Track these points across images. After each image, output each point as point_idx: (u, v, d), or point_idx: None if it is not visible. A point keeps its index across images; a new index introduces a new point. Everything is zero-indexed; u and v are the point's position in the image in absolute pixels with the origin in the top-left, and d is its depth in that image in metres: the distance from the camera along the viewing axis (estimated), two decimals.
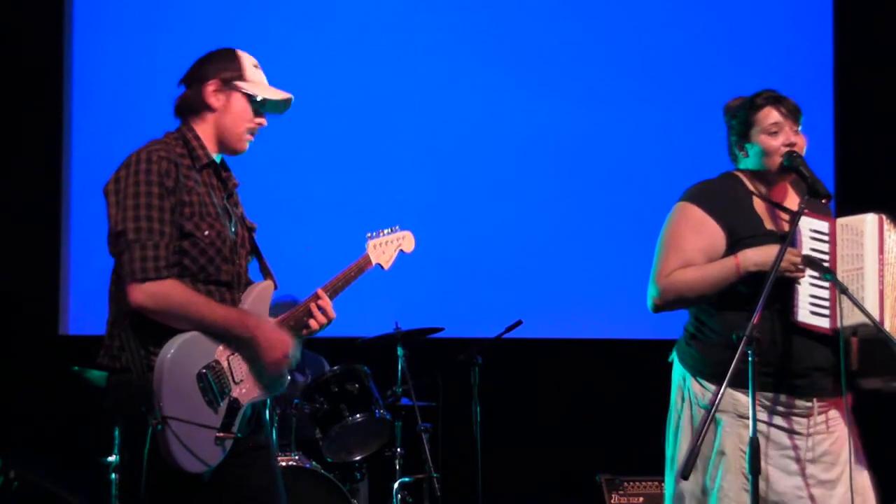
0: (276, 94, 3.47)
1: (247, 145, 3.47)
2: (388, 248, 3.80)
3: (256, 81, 3.45)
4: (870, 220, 3.73)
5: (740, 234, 3.74)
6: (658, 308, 3.80)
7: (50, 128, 6.99)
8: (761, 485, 3.64)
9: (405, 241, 3.86)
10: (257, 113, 3.45)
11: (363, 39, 7.12)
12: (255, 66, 3.47)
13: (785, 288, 3.66)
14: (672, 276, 3.73)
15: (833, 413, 3.77)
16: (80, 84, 7.01)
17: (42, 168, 7.00)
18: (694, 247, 3.74)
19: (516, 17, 7.19)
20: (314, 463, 5.55)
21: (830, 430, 3.75)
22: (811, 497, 3.70)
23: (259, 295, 3.42)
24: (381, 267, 3.76)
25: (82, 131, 6.99)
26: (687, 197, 3.83)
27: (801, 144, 3.78)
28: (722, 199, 3.79)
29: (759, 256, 3.64)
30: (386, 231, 3.83)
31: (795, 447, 3.72)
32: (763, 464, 3.64)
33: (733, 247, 3.72)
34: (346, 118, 7.08)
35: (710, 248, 3.74)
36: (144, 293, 3.18)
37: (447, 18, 7.18)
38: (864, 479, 3.78)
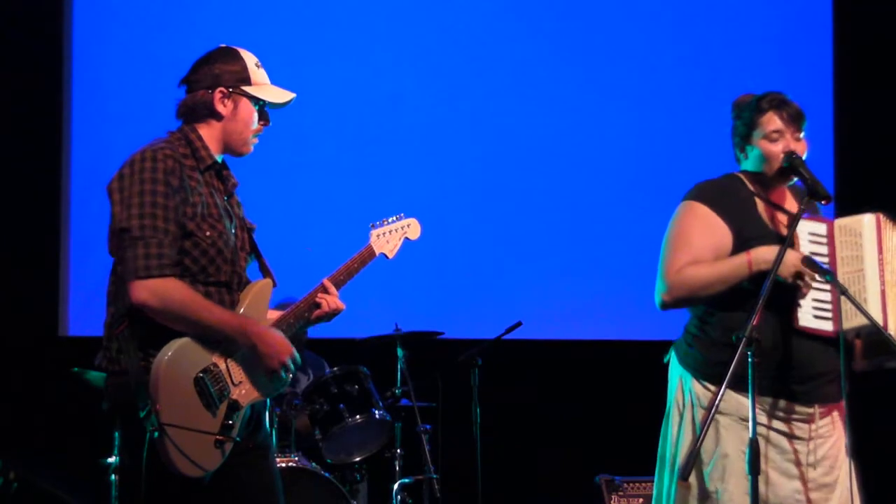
0: (283, 97, 3.42)
1: (252, 148, 3.44)
2: (392, 236, 3.70)
3: (261, 83, 3.40)
4: (867, 220, 3.72)
5: (747, 234, 3.71)
6: (666, 305, 3.73)
7: (50, 127, 6.98)
8: (762, 488, 3.64)
9: (411, 228, 3.75)
10: (262, 115, 3.42)
11: (364, 37, 7.10)
12: (258, 66, 3.42)
13: (787, 290, 3.65)
14: (683, 272, 3.68)
15: (833, 416, 3.77)
16: (80, 83, 7.00)
17: (42, 168, 6.98)
18: (703, 244, 3.70)
19: (516, 15, 7.18)
20: (314, 464, 5.54)
21: (829, 434, 3.75)
22: (810, 501, 3.69)
23: (258, 293, 3.39)
24: (386, 256, 3.66)
25: (82, 131, 6.98)
26: (694, 196, 3.80)
27: (802, 151, 3.76)
28: (728, 198, 3.77)
29: (771, 255, 3.60)
30: (391, 219, 3.73)
31: (796, 451, 3.71)
32: (764, 466, 3.62)
33: (740, 247, 3.69)
34: (346, 118, 7.06)
35: (719, 245, 3.71)
36: (147, 290, 3.14)
37: (447, 14, 7.16)
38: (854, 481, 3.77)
